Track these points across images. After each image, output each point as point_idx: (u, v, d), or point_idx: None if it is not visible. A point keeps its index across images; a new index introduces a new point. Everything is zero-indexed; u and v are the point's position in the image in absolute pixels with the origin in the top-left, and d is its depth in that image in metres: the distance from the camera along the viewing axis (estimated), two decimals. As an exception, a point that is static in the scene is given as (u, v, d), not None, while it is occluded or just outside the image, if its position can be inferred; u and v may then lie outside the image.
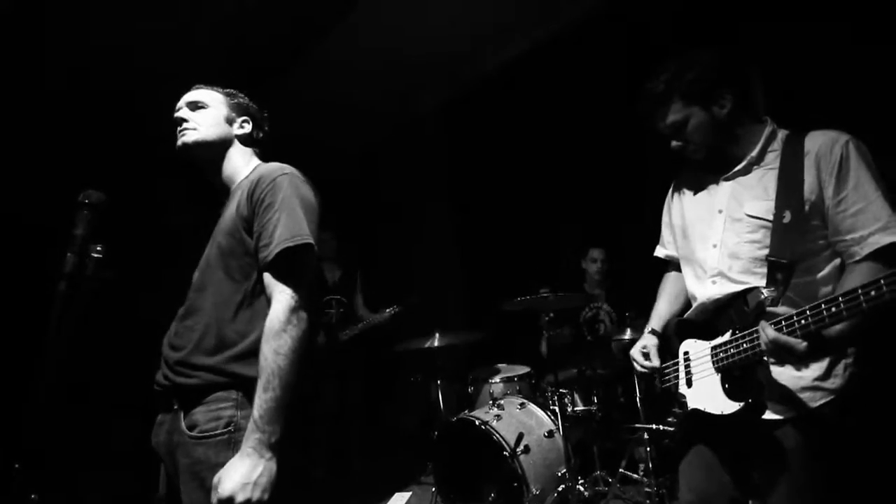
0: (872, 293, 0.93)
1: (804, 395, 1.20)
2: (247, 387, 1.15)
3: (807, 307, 1.04)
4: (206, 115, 1.39)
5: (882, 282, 0.92)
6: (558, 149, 3.79)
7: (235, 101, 1.47)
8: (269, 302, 1.18)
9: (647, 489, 2.48)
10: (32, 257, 2.49)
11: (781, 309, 1.11)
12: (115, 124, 3.68)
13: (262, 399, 1.07)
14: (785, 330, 1.07)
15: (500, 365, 3.28)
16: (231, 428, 1.14)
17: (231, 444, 1.13)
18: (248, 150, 1.46)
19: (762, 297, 1.17)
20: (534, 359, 3.36)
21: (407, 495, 3.11)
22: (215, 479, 1.05)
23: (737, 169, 1.32)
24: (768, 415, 1.22)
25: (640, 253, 1.86)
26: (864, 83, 2.29)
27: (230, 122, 1.43)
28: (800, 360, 1.10)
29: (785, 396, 1.21)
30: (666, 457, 2.51)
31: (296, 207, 1.21)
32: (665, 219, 1.62)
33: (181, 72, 1.54)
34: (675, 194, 1.55)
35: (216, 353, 1.18)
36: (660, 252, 1.67)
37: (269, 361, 1.09)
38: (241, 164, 1.43)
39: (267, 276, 1.19)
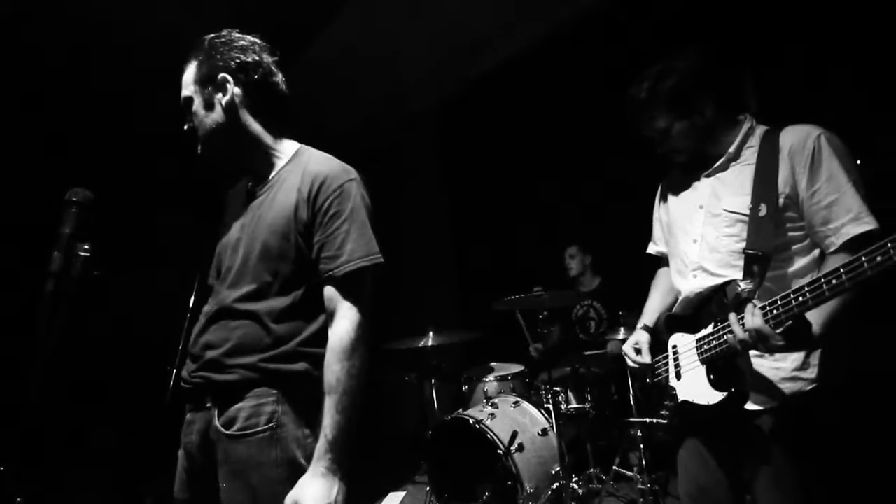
0: (833, 281, 0.97)
1: (784, 386, 1.23)
2: (286, 384, 1.14)
3: (777, 297, 1.08)
4: (196, 115, 1.23)
5: (841, 270, 0.95)
6: (554, 148, 3.80)
7: (203, 64, 1.22)
8: (322, 309, 1.17)
9: (640, 486, 2.48)
10: (21, 256, 2.46)
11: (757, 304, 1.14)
12: (108, 123, 3.65)
13: (335, 420, 1.06)
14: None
15: (493, 364, 3.28)
16: (273, 424, 1.11)
17: (274, 441, 1.10)
18: (253, 120, 1.24)
19: (739, 289, 1.20)
20: (527, 357, 3.37)
21: (401, 495, 3.10)
22: (288, 501, 1.04)
23: (716, 166, 1.37)
24: (750, 405, 1.25)
25: (633, 251, 1.87)
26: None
27: (210, 104, 1.21)
28: (774, 350, 1.12)
29: (766, 387, 1.24)
30: (659, 454, 2.53)
31: (366, 222, 1.17)
32: (655, 215, 1.66)
33: (175, 71, 1.50)
34: (664, 192, 1.59)
35: (258, 352, 1.14)
36: (651, 249, 1.71)
37: (343, 382, 1.07)
38: (269, 143, 1.26)
39: (330, 290, 1.15)
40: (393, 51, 3.83)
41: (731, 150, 1.34)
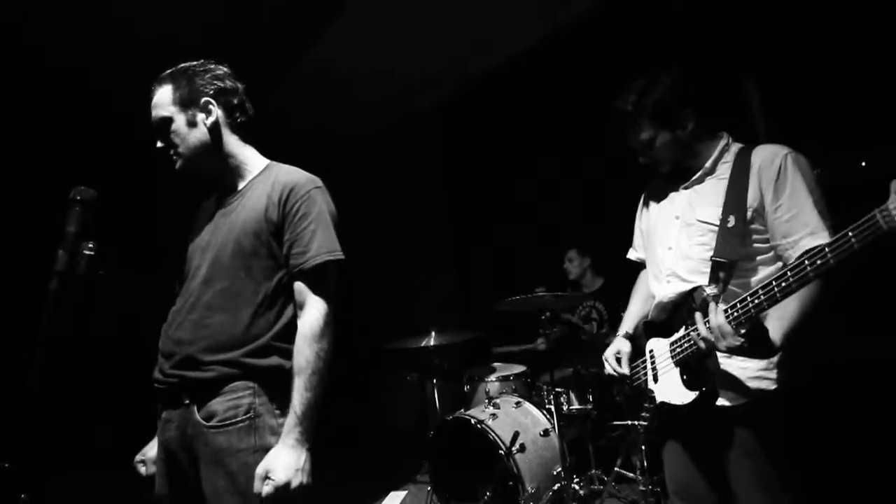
0: (783, 283, 1.07)
1: (750, 385, 1.31)
2: (262, 377, 1.22)
3: (737, 300, 1.17)
4: (177, 133, 1.31)
5: (788, 273, 1.06)
6: (555, 147, 3.80)
7: (183, 88, 1.32)
8: (290, 304, 1.26)
9: (641, 488, 2.48)
10: (24, 256, 2.46)
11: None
12: (106, 123, 3.66)
13: (304, 397, 1.16)
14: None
15: (495, 364, 3.28)
16: (251, 414, 1.19)
17: (252, 430, 1.18)
18: (233, 136, 1.37)
19: (705, 293, 1.29)
20: (529, 357, 3.37)
21: (402, 494, 3.10)
22: (260, 470, 1.13)
23: (693, 179, 1.46)
24: (720, 402, 1.33)
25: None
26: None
27: (193, 123, 1.31)
28: (734, 350, 1.18)
29: (734, 386, 1.32)
30: (661, 455, 2.53)
31: (330, 223, 1.28)
32: (637, 223, 1.73)
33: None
34: (645, 201, 1.68)
35: (232, 349, 1.21)
36: (632, 255, 1.78)
37: (312, 364, 1.18)
38: (242, 160, 1.37)
39: (300, 284, 1.25)
40: (393, 49, 3.83)
41: (708, 164, 1.43)
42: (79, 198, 1.15)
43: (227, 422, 1.18)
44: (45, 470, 2.59)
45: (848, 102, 2.29)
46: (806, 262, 1.03)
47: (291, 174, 1.33)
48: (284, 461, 1.13)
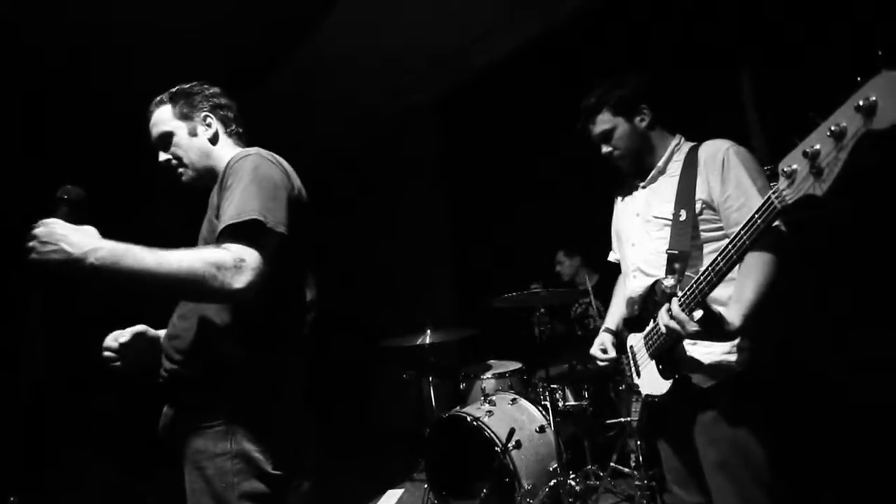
0: (716, 266, 1.16)
1: (717, 367, 1.36)
2: (236, 376, 1.18)
3: (686, 288, 1.24)
4: (179, 145, 1.38)
5: (718, 257, 1.15)
6: (552, 144, 3.79)
7: (182, 105, 1.40)
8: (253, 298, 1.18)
9: (637, 483, 2.48)
10: (15, 255, 2.48)
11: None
12: (106, 123, 3.68)
13: (148, 251, 1.01)
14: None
15: (491, 361, 3.28)
16: (228, 418, 1.16)
17: (228, 434, 1.15)
18: (230, 142, 1.44)
19: (664, 286, 1.36)
20: (525, 354, 3.36)
21: (399, 492, 3.11)
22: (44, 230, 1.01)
23: (649, 178, 1.58)
24: (693, 386, 1.38)
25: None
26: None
27: (194, 133, 1.39)
28: (694, 335, 1.22)
29: (702, 370, 1.38)
30: (656, 450, 2.53)
31: (249, 185, 1.15)
32: (613, 226, 1.81)
33: (172, 70, 1.52)
34: (616, 203, 1.78)
35: (202, 341, 1.20)
36: (611, 256, 1.87)
37: (180, 255, 1.03)
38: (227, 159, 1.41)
39: None
40: (390, 45, 3.83)
41: (660, 164, 1.54)
42: (66, 197, 1.14)
43: (205, 424, 1.16)
44: (40, 469, 2.60)
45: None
46: (728, 244, 1.12)
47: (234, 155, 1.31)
48: (67, 226, 1.02)
